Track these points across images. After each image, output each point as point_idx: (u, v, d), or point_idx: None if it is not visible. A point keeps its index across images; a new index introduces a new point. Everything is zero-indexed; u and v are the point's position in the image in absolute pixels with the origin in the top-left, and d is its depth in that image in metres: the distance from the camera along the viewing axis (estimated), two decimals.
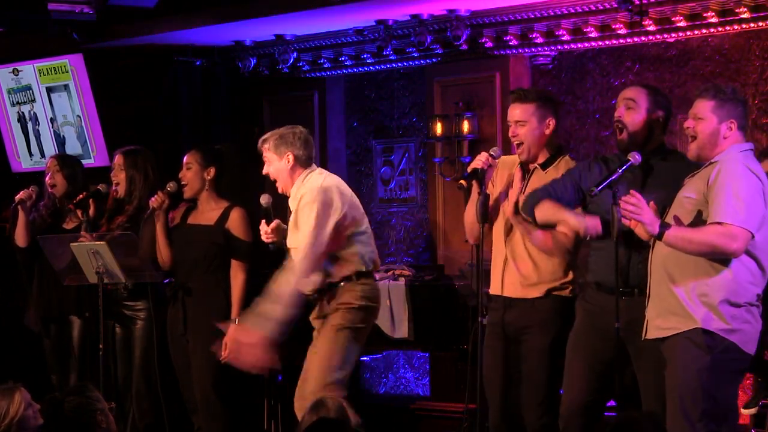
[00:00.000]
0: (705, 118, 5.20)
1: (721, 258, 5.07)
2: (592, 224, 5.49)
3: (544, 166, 5.91)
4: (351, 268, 6.24)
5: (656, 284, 5.25)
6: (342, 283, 6.21)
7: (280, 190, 6.36)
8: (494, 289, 5.94)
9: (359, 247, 6.26)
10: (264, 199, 6.35)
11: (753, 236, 5.05)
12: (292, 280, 6.08)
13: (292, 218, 6.27)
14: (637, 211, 5.10)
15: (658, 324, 5.21)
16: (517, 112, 5.90)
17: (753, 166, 5.18)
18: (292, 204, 6.30)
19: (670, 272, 5.17)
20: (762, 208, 5.10)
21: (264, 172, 6.37)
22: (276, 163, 6.28)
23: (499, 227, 5.97)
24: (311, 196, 6.17)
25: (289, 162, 6.27)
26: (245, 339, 6.17)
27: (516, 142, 5.92)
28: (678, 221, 5.16)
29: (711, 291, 5.09)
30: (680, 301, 5.13)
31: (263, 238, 6.36)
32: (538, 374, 5.82)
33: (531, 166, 5.94)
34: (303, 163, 6.30)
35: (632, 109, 5.58)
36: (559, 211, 5.58)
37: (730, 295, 5.09)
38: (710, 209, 5.06)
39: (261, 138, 6.38)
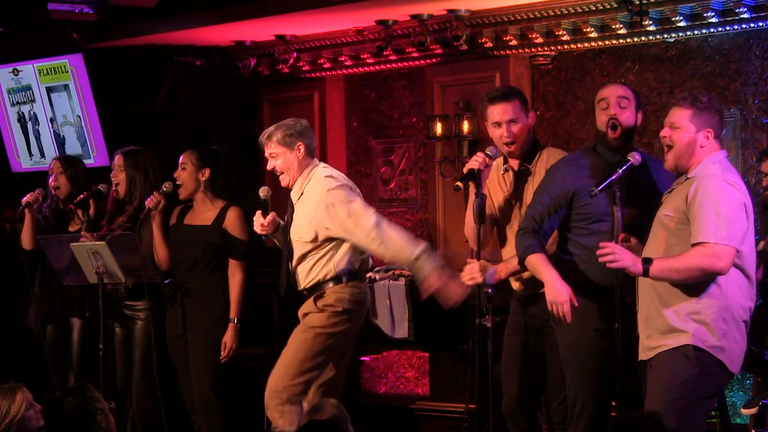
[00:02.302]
0: (682, 127, 5.16)
1: (713, 277, 5.05)
2: (555, 299, 5.44)
3: (529, 159, 5.90)
4: (341, 268, 6.22)
5: (644, 304, 5.23)
6: (330, 284, 6.19)
7: (285, 184, 6.30)
8: (516, 285, 5.91)
9: (352, 246, 6.24)
10: (263, 191, 6.34)
11: (737, 251, 5.03)
12: (399, 246, 6.05)
13: (298, 211, 6.25)
14: (614, 258, 5.09)
15: (647, 345, 5.20)
16: (508, 110, 5.89)
17: (731, 178, 5.13)
18: (296, 196, 6.29)
19: (660, 293, 5.14)
20: (743, 221, 5.07)
21: (269, 167, 6.31)
22: (287, 155, 6.23)
23: (514, 228, 5.94)
24: (333, 182, 6.16)
25: (300, 152, 6.24)
26: (443, 280, 6.05)
27: (509, 141, 5.89)
28: (660, 242, 5.14)
29: (703, 309, 5.07)
30: (670, 323, 5.10)
31: (257, 229, 6.32)
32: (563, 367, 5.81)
33: (516, 166, 5.93)
34: (311, 153, 6.31)
35: (626, 108, 5.58)
36: (540, 271, 5.53)
37: (722, 312, 5.08)
38: (692, 229, 5.03)
39: (264, 133, 6.31)
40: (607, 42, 8.28)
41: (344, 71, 9.59)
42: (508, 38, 8.51)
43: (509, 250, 5.89)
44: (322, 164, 6.35)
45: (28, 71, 9.77)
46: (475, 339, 5.90)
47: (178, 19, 9.10)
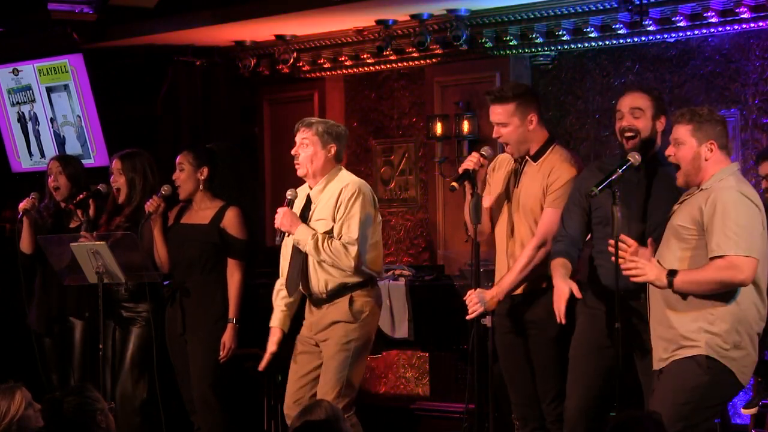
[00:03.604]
0: (685, 142, 5.15)
1: (735, 289, 5.04)
2: (555, 302, 5.49)
3: (536, 158, 5.90)
4: (367, 273, 6.22)
5: (656, 309, 5.22)
6: (356, 289, 6.20)
7: (301, 174, 6.30)
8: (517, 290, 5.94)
9: (375, 253, 6.26)
10: (290, 193, 6.35)
11: (758, 262, 5.01)
12: (342, 258, 6.08)
13: (320, 205, 6.24)
14: (640, 272, 5.09)
15: (661, 355, 5.18)
16: (498, 113, 5.86)
17: (746, 190, 5.12)
18: (318, 195, 6.26)
19: (670, 302, 5.13)
20: (761, 232, 5.06)
21: (294, 151, 6.29)
22: (317, 149, 6.22)
23: (501, 227, 5.97)
24: (355, 187, 6.17)
25: (330, 153, 6.24)
26: (291, 218, 6.19)
27: (502, 142, 5.93)
28: (676, 253, 5.13)
29: (716, 320, 5.06)
30: (682, 334, 5.09)
31: (277, 222, 6.28)
32: (548, 367, 5.83)
33: (522, 160, 5.94)
34: (338, 158, 6.31)
35: (639, 119, 5.55)
36: (552, 276, 5.58)
37: (735, 323, 5.07)
38: (709, 242, 5.02)
39: (306, 120, 6.33)
40: (607, 42, 8.28)
41: (344, 71, 9.59)
42: (508, 38, 8.51)
43: (499, 243, 5.96)
44: (344, 170, 6.35)
45: (28, 71, 9.76)
46: (475, 339, 5.90)
47: (178, 19, 9.10)
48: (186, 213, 7.11)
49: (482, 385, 5.95)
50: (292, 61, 9.40)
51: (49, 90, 9.69)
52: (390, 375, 9.37)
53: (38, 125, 9.86)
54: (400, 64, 9.29)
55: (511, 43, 8.54)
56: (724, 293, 5.05)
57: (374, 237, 6.22)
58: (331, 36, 9.26)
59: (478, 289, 5.81)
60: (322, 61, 9.49)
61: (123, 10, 9.20)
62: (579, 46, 8.42)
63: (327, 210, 6.18)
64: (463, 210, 6.02)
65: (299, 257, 6.24)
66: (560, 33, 8.29)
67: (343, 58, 9.39)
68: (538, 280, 5.83)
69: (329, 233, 6.13)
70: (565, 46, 8.46)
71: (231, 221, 7.00)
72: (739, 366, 5.10)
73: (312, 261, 6.20)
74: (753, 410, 6.91)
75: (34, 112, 9.86)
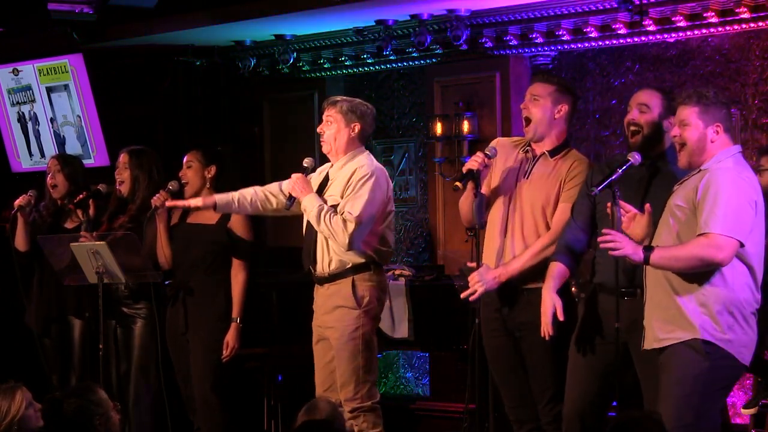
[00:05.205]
0: (691, 124, 5.17)
1: (715, 268, 5.06)
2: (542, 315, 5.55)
3: (553, 154, 5.89)
4: (368, 256, 6.22)
5: (653, 290, 5.23)
6: (359, 272, 6.20)
7: (325, 151, 6.36)
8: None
9: (382, 241, 6.26)
10: (307, 161, 6.39)
11: (742, 245, 5.03)
12: (338, 233, 6.08)
13: (335, 182, 6.27)
14: (616, 246, 5.12)
15: (657, 334, 5.19)
16: (537, 87, 5.89)
17: (743, 173, 5.15)
18: (336, 173, 6.29)
19: (670, 280, 5.14)
20: (751, 216, 5.08)
21: (319, 129, 6.35)
22: (340, 126, 6.28)
23: (495, 218, 5.93)
24: (369, 169, 6.20)
25: (353, 132, 6.29)
26: (303, 184, 6.25)
27: (525, 116, 5.89)
28: (671, 233, 5.15)
29: (709, 301, 5.08)
30: (682, 311, 5.10)
31: (289, 187, 6.31)
32: (544, 368, 5.82)
33: (538, 151, 5.93)
34: (363, 139, 6.35)
35: (645, 114, 5.56)
36: (545, 284, 5.61)
37: (727, 304, 5.08)
38: (698, 219, 5.04)
39: (332, 98, 6.42)
40: (607, 42, 8.29)
41: (344, 71, 9.59)
42: (508, 38, 8.51)
43: (491, 233, 5.92)
44: (368, 153, 6.38)
45: (28, 71, 9.77)
46: (475, 339, 5.90)
47: (178, 19, 9.10)
48: (191, 213, 7.10)
49: (482, 385, 5.95)
50: (292, 61, 9.40)
51: (49, 90, 9.69)
52: (390, 375, 9.36)
53: (38, 125, 9.86)
54: (400, 64, 9.30)
55: (511, 43, 8.55)
56: (716, 273, 5.06)
57: (382, 224, 6.25)
58: (331, 36, 9.26)
59: (482, 267, 5.79)
60: (322, 61, 9.49)
61: (123, 10, 9.20)
62: (579, 46, 8.42)
63: (339, 187, 6.24)
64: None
65: (313, 230, 6.26)
66: (560, 33, 8.29)
67: (343, 58, 9.39)
68: (536, 277, 5.82)
69: (335, 207, 6.17)
70: (565, 46, 8.47)
71: (238, 222, 6.99)
72: (736, 347, 5.11)
73: (320, 237, 6.23)
74: (753, 410, 6.91)
75: (34, 112, 9.86)
